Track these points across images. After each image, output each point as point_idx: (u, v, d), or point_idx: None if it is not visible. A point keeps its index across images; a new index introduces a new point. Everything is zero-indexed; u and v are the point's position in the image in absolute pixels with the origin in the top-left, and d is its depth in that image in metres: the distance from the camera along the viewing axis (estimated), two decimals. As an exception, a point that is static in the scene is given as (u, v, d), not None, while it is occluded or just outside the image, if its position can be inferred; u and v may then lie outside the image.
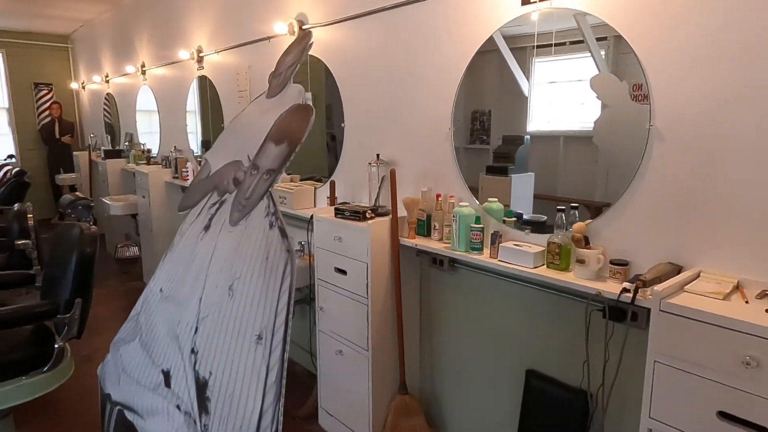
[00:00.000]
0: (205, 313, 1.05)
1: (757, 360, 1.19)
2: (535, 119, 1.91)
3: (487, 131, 2.11)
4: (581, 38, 1.78)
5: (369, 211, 2.36)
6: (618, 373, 1.70)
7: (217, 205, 1.23)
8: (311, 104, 1.11)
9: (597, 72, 1.78)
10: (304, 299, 3.24)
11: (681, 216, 1.59)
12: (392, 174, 2.35)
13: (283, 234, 0.93)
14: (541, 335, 2.04)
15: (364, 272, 2.32)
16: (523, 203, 2.02)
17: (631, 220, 1.71)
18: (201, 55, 4.12)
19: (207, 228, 1.21)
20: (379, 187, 2.50)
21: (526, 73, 1.91)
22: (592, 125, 1.80)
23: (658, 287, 1.38)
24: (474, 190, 2.16)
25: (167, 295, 1.23)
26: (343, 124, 2.86)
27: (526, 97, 1.92)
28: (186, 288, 1.16)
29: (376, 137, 2.65)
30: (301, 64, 1.35)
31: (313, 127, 3.16)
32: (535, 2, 1.84)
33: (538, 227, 1.96)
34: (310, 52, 3.00)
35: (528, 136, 1.95)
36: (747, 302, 1.34)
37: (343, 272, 2.45)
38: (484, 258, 2.01)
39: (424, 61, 2.34)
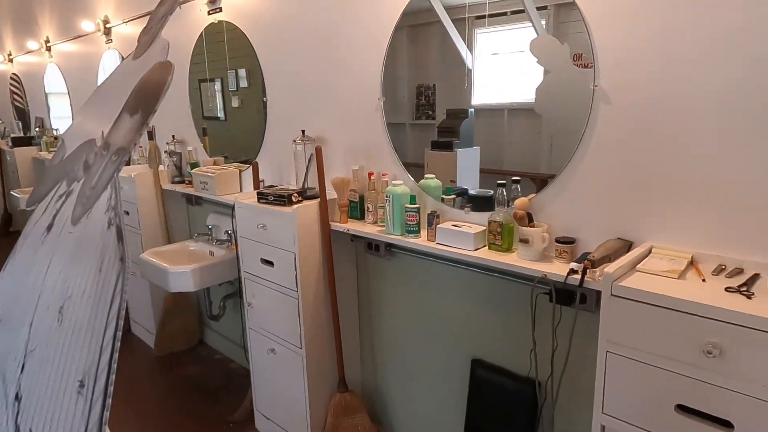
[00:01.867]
0: (33, 345, 0.79)
1: (719, 347, 1.04)
2: (480, 92, 1.77)
3: (433, 106, 1.96)
4: (522, 7, 1.63)
5: (295, 195, 2.11)
6: (567, 361, 1.56)
7: (63, 198, 0.95)
8: (171, 61, 0.84)
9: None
10: (236, 292, 2.98)
11: (629, 186, 1.44)
12: (318, 152, 2.10)
13: (120, 236, 0.67)
14: (487, 322, 1.88)
15: (292, 262, 2.08)
16: (470, 178, 1.87)
17: (576, 192, 1.55)
18: (108, 26, 3.67)
19: (50, 227, 0.94)
20: (307, 168, 2.25)
21: (469, 44, 1.75)
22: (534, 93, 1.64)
23: (608, 268, 1.21)
24: (420, 167, 1.96)
25: (1, 316, 0.95)
26: (264, 99, 2.57)
27: (470, 70, 1.77)
28: (19, 308, 0.88)
29: (302, 112, 2.38)
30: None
31: (249, 105, 2.84)
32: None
33: (480, 205, 1.79)
34: (227, 19, 2.68)
35: (472, 110, 1.80)
36: (704, 280, 1.20)
37: (270, 264, 2.20)
38: (421, 241, 1.82)
39: (348, 24, 2.08)
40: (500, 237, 1.65)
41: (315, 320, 2.17)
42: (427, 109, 1.97)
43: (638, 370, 1.18)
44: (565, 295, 1.53)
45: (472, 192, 1.86)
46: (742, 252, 1.27)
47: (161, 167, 3.25)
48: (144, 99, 0.84)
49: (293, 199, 2.11)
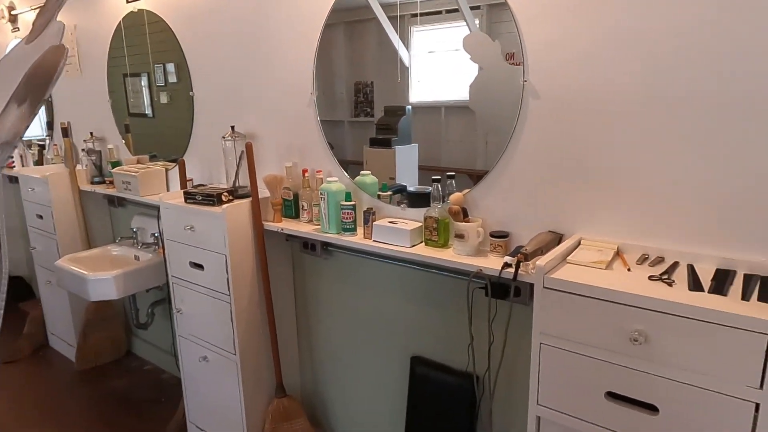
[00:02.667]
0: None
1: (644, 335, 1.08)
2: (417, 90, 1.77)
3: (371, 103, 1.94)
4: (456, 6, 1.64)
5: (225, 194, 2.01)
6: (504, 354, 1.57)
7: (-59, 200, 0.83)
8: (65, 45, 0.75)
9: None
10: (165, 298, 2.82)
11: (558, 180, 1.46)
12: (248, 148, 2.01)
13: (-2, 242, 0.58)
14: (425, 318, 1.87)
15: (224, 265, 1.98)
16: (409, 175, 1.86)
17: (509, 186, 1.56)
18: (14, 13, 3.36)
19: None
20: (238, 165, 2.15)
21: (405, 42, 1.75)
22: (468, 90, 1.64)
23: (540, 261, 1.23)
24: (360, 165, 1.92)
25: None
26: (191, 93, 2.43)
27: (407, 68, 1.77)
28: None
29: (232, 106, 2.28)
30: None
31: (179, 101, 2.69)
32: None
33: (418, 201, 1.78)
34: (148, 8, 2.51)
35: (410, 107, 1.79)
36: (629, 269, 1.24)
37: (200, 267, 2.09)
38: (357, 239, 1.78)
39: (277, 17, 2.00)
40: (436, 233, 1.64)
41: (249, 325, 2.07)
42: (366, 107, 1.94)
43: (570, 361, 1.20)
44: (500, 288, 1.54)
45: (411, 189, 1.85)
46: (662, 241, 1.32)
47: (78, 167, 3.01)
48: (34, 86, 0.74)
49: (223, 198, 2.01)
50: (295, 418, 2.19)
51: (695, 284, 1.13)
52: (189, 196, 2.08)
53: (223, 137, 2.15)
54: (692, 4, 1.19)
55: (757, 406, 0.99)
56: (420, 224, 1.69)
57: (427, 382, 1.86)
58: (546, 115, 1.45)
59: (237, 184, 2.16)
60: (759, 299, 1.05)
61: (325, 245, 2.05)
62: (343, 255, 2.04)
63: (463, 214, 1.58)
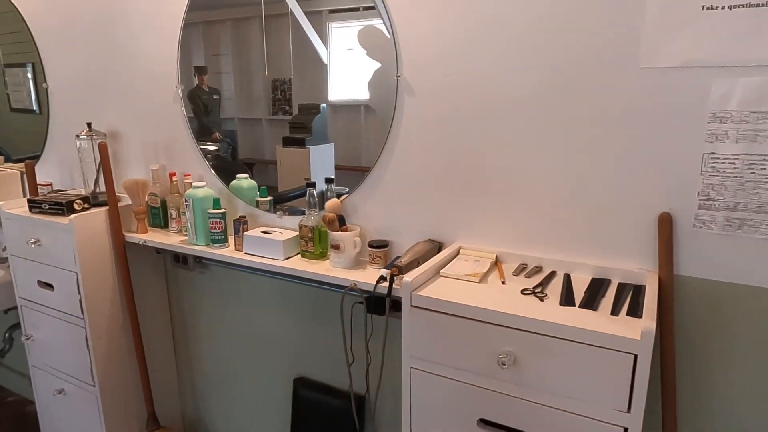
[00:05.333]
0: None
1: (512, 356, 0.97)
2: (336, 88, 1.63)
3: (289, 101, 1.76)
4: (372, 4, 1.51)
5: (78, 201, 1.74)
6: (382, 375, 1.44)
7: None
8: None
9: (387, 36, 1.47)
10: (28, 321, 2.46)
11: (438, 184, 1.35)
12: (102, 149, 1.75)
13: None
14: (309, 336, 1.70)
15: (75, 284, 1.71)
16: (325, 176, 1.70)
17: (389, 191, 1.43)
18: None
19: None
20: (98, 169, 1.88)
21: (324, 39, 1.60)
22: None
23: (408, 276, 1.10)
24: (273, 164, 1.73)
25: None
26: (45, 85, 2.12)
27: (326, 65, 1.62)
28: None
29: (91, 101, 1.99)
30: None
31: (40, 93, 2.29)
32: None
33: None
34: (-4, -13, 2.16)
35: (325, 105, 1.64)
36: (504, 282, 1.14)
37: (50, 287, 1.80)
38: (228, 252, 1.58)
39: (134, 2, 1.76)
40: (312, 243, 1.48)
41: (112, 351, 1.81)
42: (284, 104, 1.78)
43: (442, 386, 1.08)
44: (379, 304, 1.41)
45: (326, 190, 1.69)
46: (541, 250, 1.24)
47: None
48: None
49: (75, 206, 1.73)
50: (171, 451, 1.95)
51: (567, 298, 1.05)
52: (34, 205, 1.79)
53: (77, 136, 1.87)
54: (562, -4, 1.11)
55: (626, 430, 0.91)
56: (296, 234, 1.53)
57: (310, 405, 1.70)
58: (422, 113, 1.33)
59: (98, 190, 1.88)
60: (628, 313, 0.98)
61: (198, 258, 1.84)
62: (220, 268, 1.83)
63: (340, 222, 1.44)
